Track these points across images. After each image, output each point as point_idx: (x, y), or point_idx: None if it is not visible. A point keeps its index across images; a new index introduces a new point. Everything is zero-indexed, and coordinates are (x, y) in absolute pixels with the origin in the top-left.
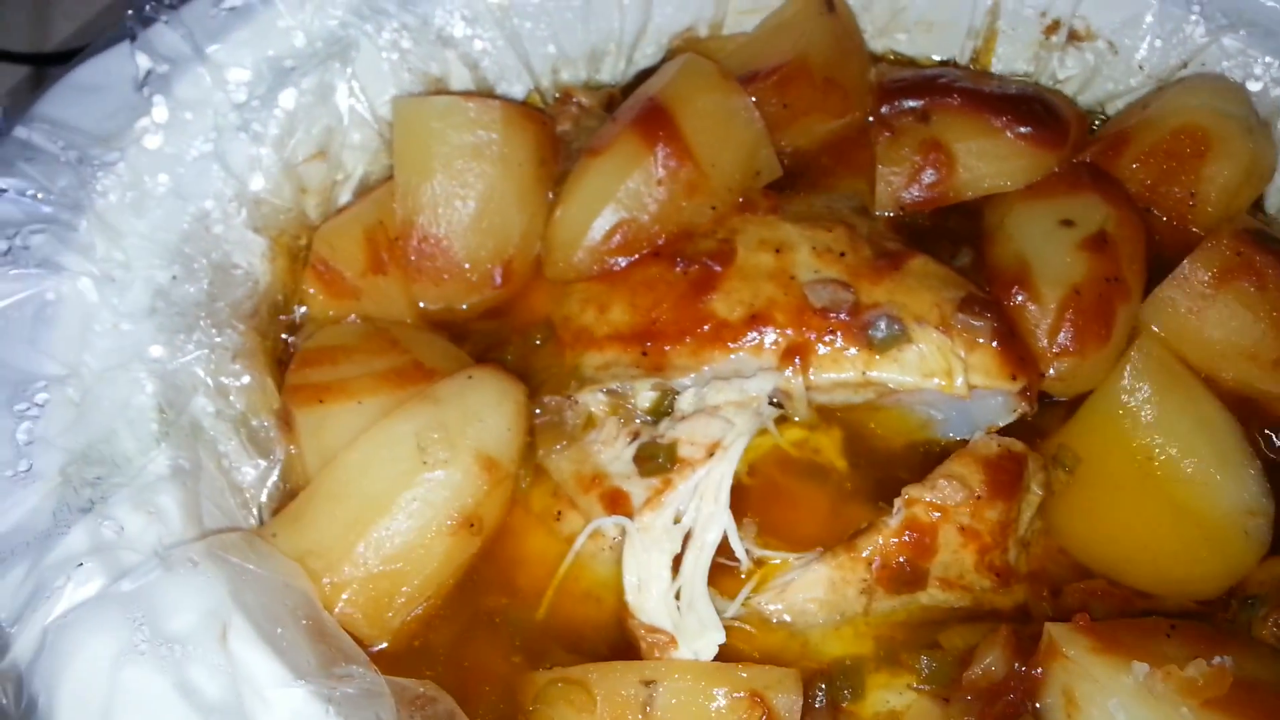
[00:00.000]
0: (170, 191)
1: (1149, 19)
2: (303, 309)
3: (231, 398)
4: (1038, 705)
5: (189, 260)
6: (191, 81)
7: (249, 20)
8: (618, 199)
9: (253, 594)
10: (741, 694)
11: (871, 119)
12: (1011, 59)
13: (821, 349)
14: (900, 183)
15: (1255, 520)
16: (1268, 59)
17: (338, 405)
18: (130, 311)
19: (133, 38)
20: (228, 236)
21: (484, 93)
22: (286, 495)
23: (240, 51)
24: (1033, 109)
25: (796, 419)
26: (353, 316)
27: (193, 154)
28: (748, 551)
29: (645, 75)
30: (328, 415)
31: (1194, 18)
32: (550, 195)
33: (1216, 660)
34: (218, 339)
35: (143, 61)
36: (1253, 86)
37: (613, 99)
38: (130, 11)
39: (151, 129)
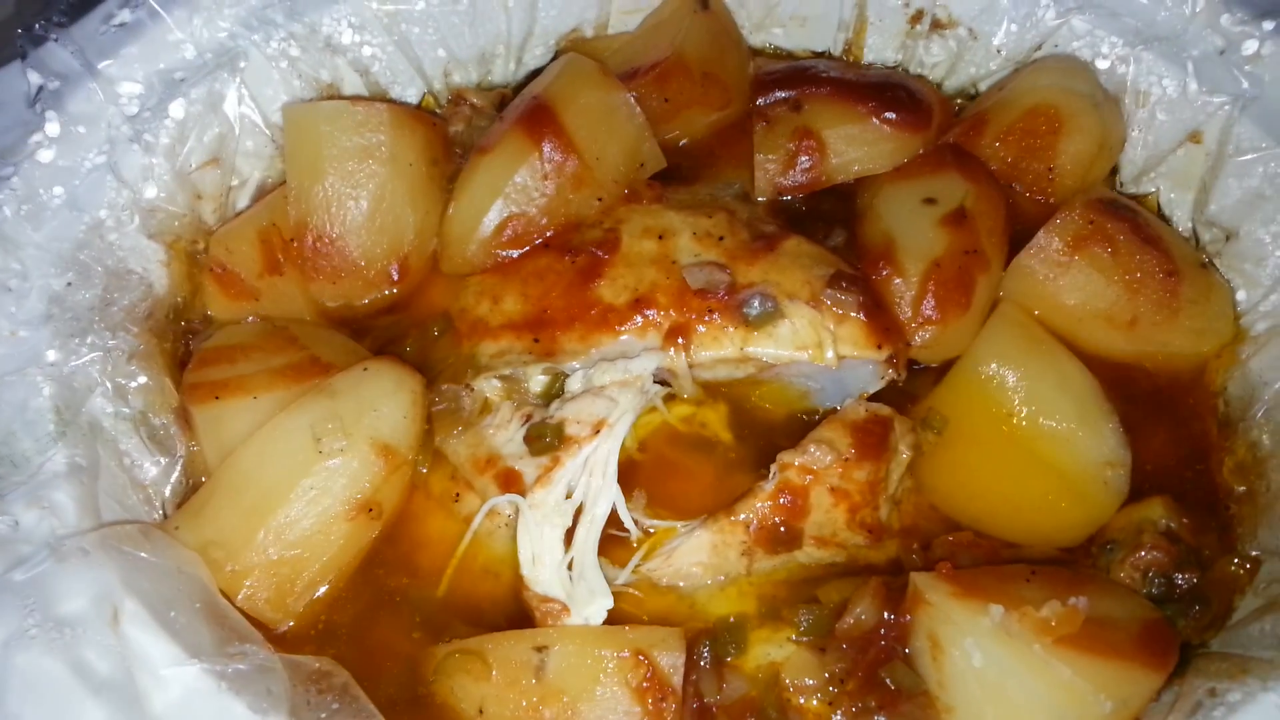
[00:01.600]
0: (65, 203)
1: (1004, 4)
2: (203, 312)
3: (129, 398)
4: (907, 650)
5: (85, 268)
6: (84, 96)
7: (139, 36)
8: (506, 194)
9: (146, 580)
10: (626, 653)
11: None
12: (881, 49)
13: (701, 328)
14: (776, 169)
15: (1114, 471)
16: (1114, 38)
17: (234, 401)
18: (27, 319)
19: (23, 56)
20: (122, 244)
21: (377, 97)
22: (190, 491)
23: (131, 66)
24: (897, 95)
25: (684, 396)
26: (252, 317)
27: (86, 166)
28: (636, 522)
29: (535, 75)
30: (224, 411)
31: (1045, 2)
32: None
33: (1071, 601)
34: (112, 342)
35: (34, 78)
36: (1101, 65)
37: (504, 99)
38: (20, 30)
39: (45, 143)
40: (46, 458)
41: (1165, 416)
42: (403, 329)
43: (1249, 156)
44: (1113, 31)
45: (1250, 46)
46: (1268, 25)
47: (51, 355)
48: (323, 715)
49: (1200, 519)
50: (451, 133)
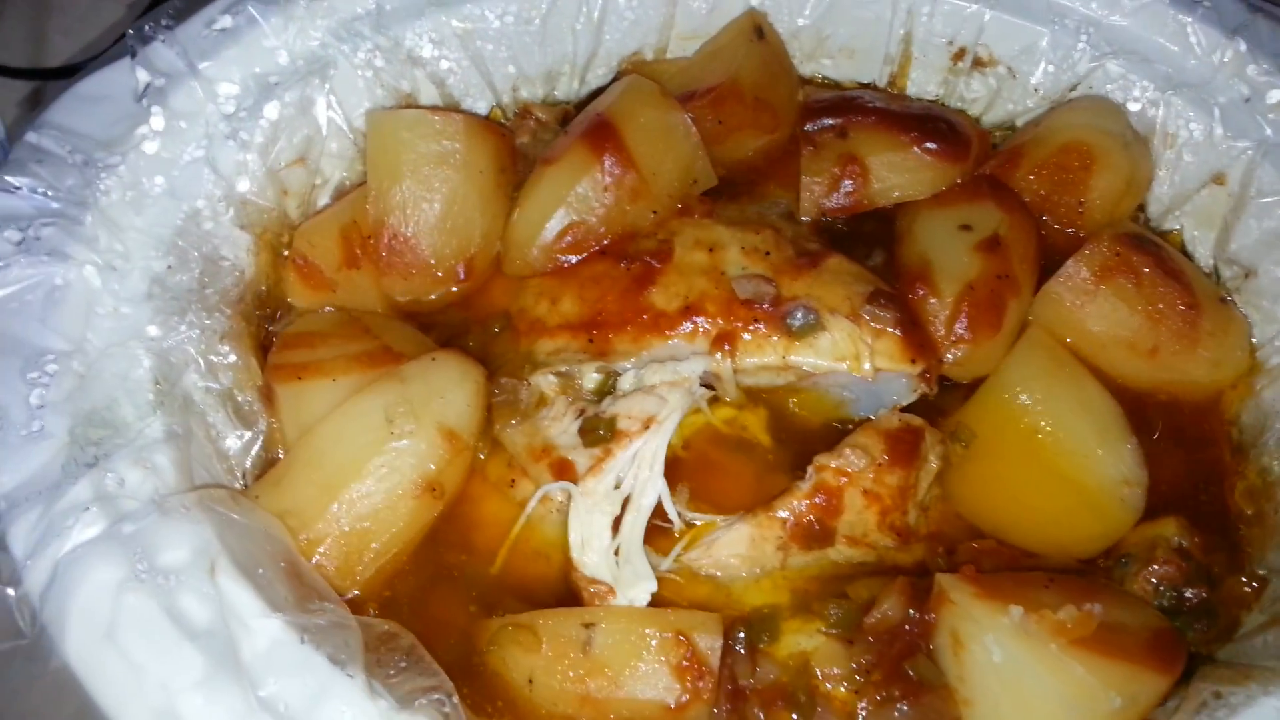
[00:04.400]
0: (166, 192)
1: (1043, 46)
2: (284, 300)
3: (219, 374)
4: (930, 645)
5: (182, 252)
6: (186, 94)
7: (238, 40)
8: (568, 203)
9: (236, 539)
10: (669, 634)
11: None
12: (924, 83)
13: (747, 336)
14: (821, 191)
15: (1131, 489)
16: (1145, 83)
17: (314, 382)
18: (130, 296)
19: (133, 54)
20: (217, 232)
21: (450, 107)
22: (267, 463)
23: (229, 68)
24: (938, 127)
25: (727, 399)
26: (329, 307)
27: (186, 158)
28: (680, 514)
29: (597, 94)
30: (305, 391)
31: (1081, 46)
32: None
33: (1086, 607)
34: (207, 321)
35: (142, 75)
36: (1133, 107)
37: (567, 115)
38: (131, 31)
39: (149, 136)
40: (146, 424)
41: (1181, 441)
42: (466, 325)
43: (1269, 199)
44: (1145, 76)
45: (1274, 96)
46: None
47: (152, 331)
48: (391, 672)
49: (1211, 539)
50: (517, 144)
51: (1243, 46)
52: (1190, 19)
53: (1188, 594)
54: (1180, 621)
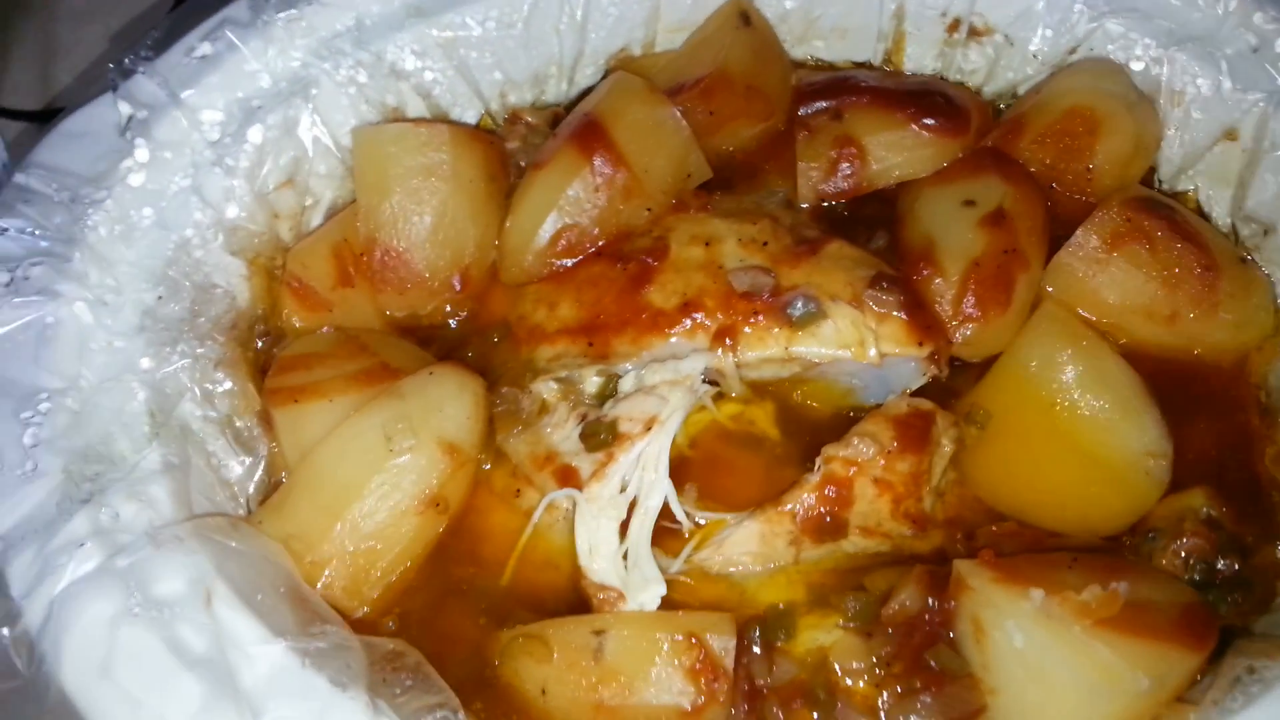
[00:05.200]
0: (154, 223)
1: (1039, 9)
2: (281, 323)
3: (216, 402)
4: (951, 634)
5: (173, 283)
6: (169, 124)
7: (218, 66)
8: (560, 206)
9: (235, 566)
10: (680, 636)
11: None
12: (920, 58)
13: (747, 329)
14: (819, 176)
15: (1156, 461)
16: (1147, 40)
17: (311, 404)
18: (122, 330)
19: (114, 87)
20: (207, 260)
21: (439, 118)
22: (272, 488)
23: (212, 95)
24: (934, 102)
25: (733, 395)
26: (327, 327)
27: (173, 189)
28: (688, 514)
29: (587, 94)
30: (303, 413)
31: (1079, 6)
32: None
33: (1111, 586)
34: (200, 350)
35: (124, 108)
36: (1136, 66)
37: (558, 117)
38: (111, 65)
39: (135, 168)
40: (142, 457)
41: (1207, 408)
42: (465, 336)
43: None
44: (1146, 33)
45: None
46: None
47: (145, 363)
48: (397, 691)
49: (1243, 508)
50: (508, 150)
51: None
52: None
53: (1219, 566)
54: (1213, 595)
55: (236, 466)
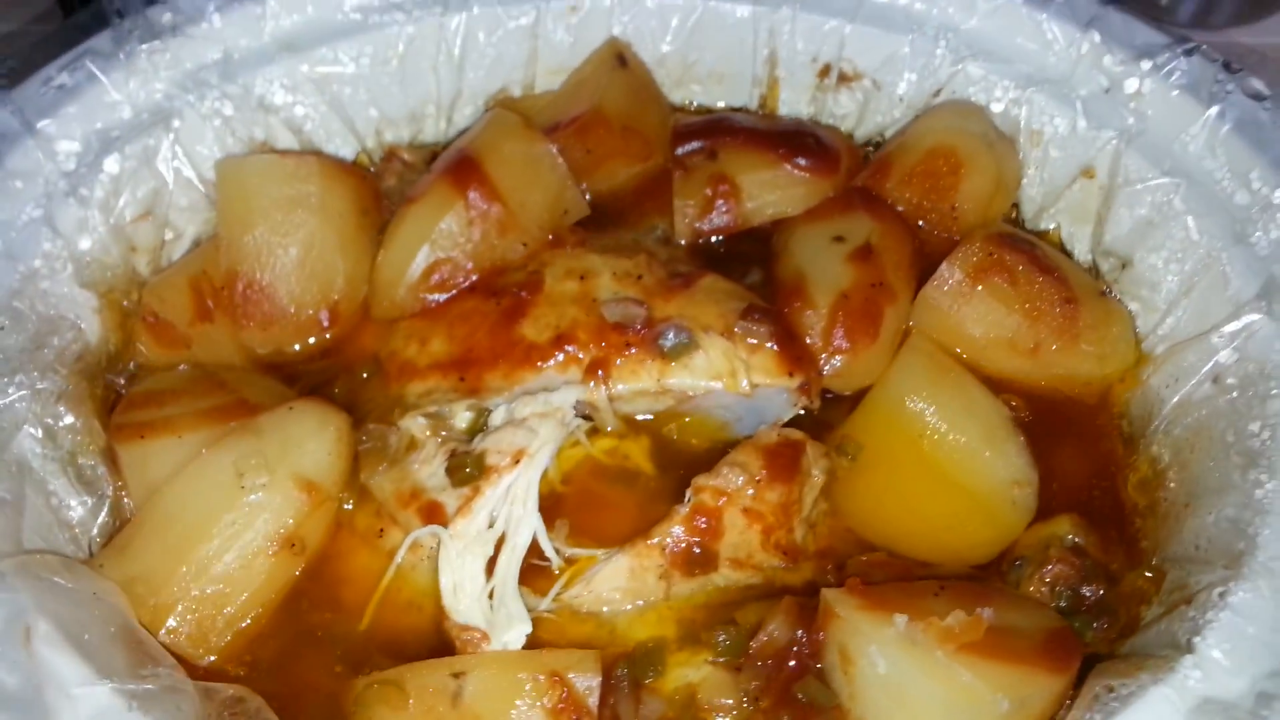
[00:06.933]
0: (1, 253)
1: (904, 54)
2: (136, 359)
3: (57, 438)
4: (819, 665)
5: (18, 313)
6: (22, 153)
7: (77, 97)
8: (433, 240)
9: (61, 605)
10: (542, 675)
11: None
12: (794, 102)
13: (620, 361)
14: (695, 214)
15: (1021, 490)
16: (1006, 82)
17: (159, 440)
18: None
19: None
20: (55, 291)
21: (310, 153)
22: (117, 531)
23: (70, 125)
24: (805, 142)
25: (607, 430)
26: (183, 365)
27: (23, 219)
28: (558, 550)
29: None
30: (150, 449)
31: (940, 51)
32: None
33: (976, 612)
34: (41, 384)
35: None
36: (996, 108)
37: (435, 155)
38: None
39: None
40: None
41: (1072, 438)
42: (333, 373)
43: (1138, 186)
44: (1005, 76)
45: (1132, 85)
46: (1145, 65)
47: None
48: None
49: (1106, 534)
50: (384, 188)
51: (1097, 38)
52: (1044, 15)
53: (1085, 592)
54: (1079, 621)
55: (79, 507)
